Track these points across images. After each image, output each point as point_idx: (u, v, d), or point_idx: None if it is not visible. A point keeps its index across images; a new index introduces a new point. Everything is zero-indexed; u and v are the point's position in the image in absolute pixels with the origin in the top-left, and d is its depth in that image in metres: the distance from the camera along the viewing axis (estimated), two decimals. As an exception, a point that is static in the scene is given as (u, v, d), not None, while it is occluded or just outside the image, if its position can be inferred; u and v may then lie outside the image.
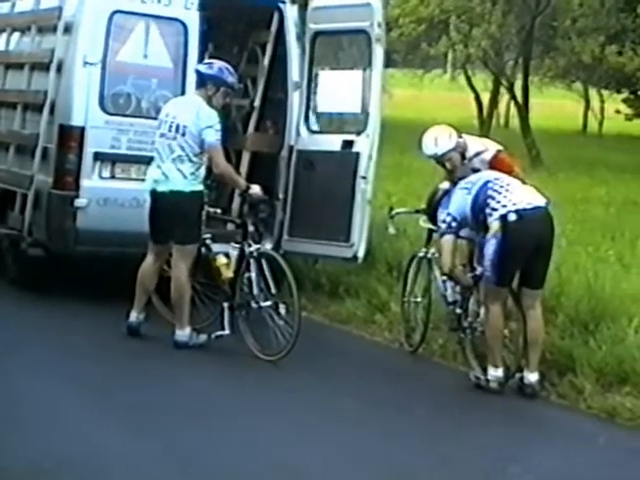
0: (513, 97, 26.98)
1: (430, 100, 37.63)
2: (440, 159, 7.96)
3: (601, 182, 18.90)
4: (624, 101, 38.41)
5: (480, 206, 7.40)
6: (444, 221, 7.59)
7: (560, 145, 26.32)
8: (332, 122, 10.13)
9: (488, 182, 7.49)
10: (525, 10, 24.09)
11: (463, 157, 7.99)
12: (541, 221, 7.40)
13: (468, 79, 30.74)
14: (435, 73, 30.85)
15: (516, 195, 7.37)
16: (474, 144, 8.15)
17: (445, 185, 7.95)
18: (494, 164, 7.92)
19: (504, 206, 7.30)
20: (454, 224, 7.54)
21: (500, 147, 8.22)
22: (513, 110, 28.45)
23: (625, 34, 24.45)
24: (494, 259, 7.28)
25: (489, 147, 8.16)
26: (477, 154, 8.00)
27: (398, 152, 18.31)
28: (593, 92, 37.94)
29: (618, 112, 38.47)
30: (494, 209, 7.33)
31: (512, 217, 7.25)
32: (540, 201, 7.44)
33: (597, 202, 15.75)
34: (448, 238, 7.58)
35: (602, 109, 37.97)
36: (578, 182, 18.51)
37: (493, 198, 7.37)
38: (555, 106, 41.40)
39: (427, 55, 24.65)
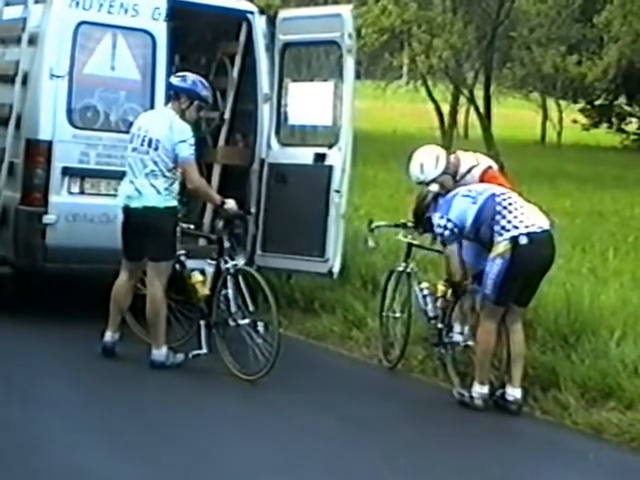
0: (475, 107, 26.98)
1: (392, 111, 37.67)
2: (428, 184, 7.69)
3: (564, 193, 18.87)
4: (581, 111, 38.75)
5: (486, 220, 7.18)
6: (445, 227, 7.30)
7: (519, 156, 26.28)
8: (303, 135, 10.00)
9: (495, 195, 7.27)
10: (486, 20, 24.17)
11: (455, 175, 7.70)
12: (548, 245, 7.25)
13: (428, 90, 30.69)
14: (397, 84, 30.80)
15: (526, 216, 7.17)
16: (467, 159, 7.84)
17: (434, 188, 7.66)
18: (484, 180, 7.62)
19: (515, 227, 7.10)
20: (456, 230, 7.29)
21: (492, 163, 7.97)
22: (471, 120, 28.52)
23: (585, 44, 24.60)
24: (497, 279, 7.09)
25: (481, 162, 7.84)
26: (469, 170, 7.72)
27: (362, 164, 18.14)
28: (550, 102, 38.13)
29: (575, 122, 38.77)
30: (504, 228, 7.12)
31: (523, 240, 7.07)
32: (546, 223, 7.27)
33: (562, 214, 15.66)
34: (454, 247, 7.36)
35: (560, 119, 38.17)
36: (540, 194, 18.28)
37: (503, 216, 7.15)
38: (512, 116, 41.53)
39: (389, 66, 24.63)
